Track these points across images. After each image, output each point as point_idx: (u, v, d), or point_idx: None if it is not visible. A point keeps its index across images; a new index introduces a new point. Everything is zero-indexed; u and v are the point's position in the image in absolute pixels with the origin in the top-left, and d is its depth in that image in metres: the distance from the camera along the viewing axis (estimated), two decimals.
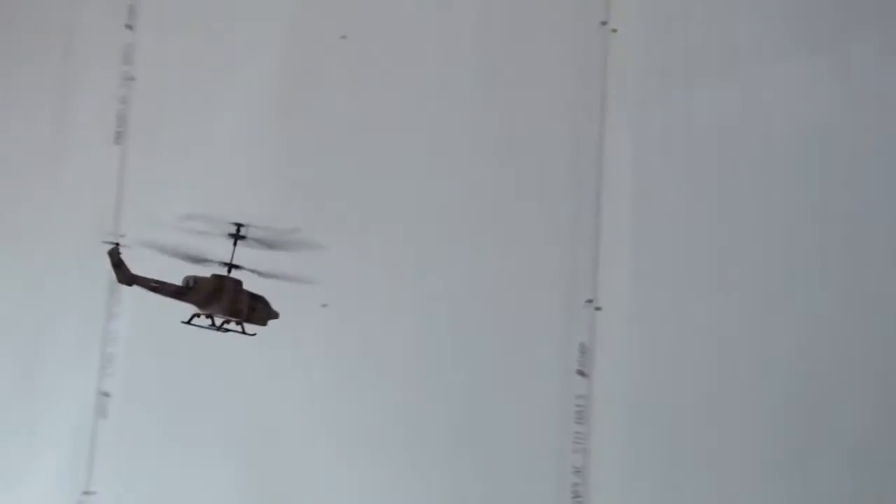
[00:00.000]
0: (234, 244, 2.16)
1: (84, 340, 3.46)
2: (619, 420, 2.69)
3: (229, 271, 2.20)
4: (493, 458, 2.80)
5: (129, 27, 3.51)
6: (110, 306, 3.41)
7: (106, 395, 3.39)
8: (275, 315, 2.32)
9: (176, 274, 2.29)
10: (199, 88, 3.35)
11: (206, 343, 3.14)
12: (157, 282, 2.16)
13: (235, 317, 2.25)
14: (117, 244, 2.15)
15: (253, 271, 2.24)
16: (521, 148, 2.87)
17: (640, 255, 2.73)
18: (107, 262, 2.20)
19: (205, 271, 2.23)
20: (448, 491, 2.84)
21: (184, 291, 2.19)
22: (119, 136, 3.47)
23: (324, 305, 3.00)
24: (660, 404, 2.66)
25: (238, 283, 2.23)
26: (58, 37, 3.62)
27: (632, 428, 2.68)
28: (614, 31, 2.80)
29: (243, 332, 2.29)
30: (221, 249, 2.24)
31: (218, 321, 2.26)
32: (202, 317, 2.24)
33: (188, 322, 2.24)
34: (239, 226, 2.14)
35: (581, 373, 2.75)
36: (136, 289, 3.00)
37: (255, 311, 2.28)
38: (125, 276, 2.14)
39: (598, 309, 2.75)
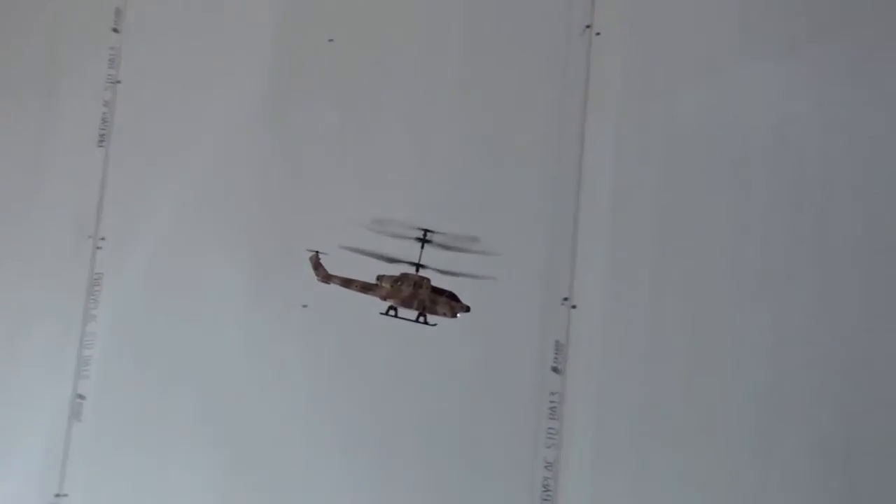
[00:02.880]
0: (422, 247, 2.54)
1: (61, 342, 3.44)
2: (591, 416, 2.74)
3: (417, 270, 2.55)
4: (468, 454, 2.84)
5: (116, 30, 3.54)
6: (87, 308, 3.40)
7: (81, 397, 3.37)
8: (463, 308, 2.61)
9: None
10: (184, 92, 3.37)
11: (182, 345, 3.19)
12: (347, 279, 2.58)
13: (416, 308, 2.57)
14: (317, 252, 2.61)
15: (436, 270, 2.57)
16: (503, 148, 2.92)
17: (617, 255, 2.79)
18: (85, 265, 2.75)
19: (396, 269, 2.58)
20: (423, 486, 2.84)
21: (370, 286, 2.58)
22: (102, 139, 3.48)
23: (304, 306, 3.01)
24: (632, 402, 2.72)
25: (423, 279, 2.56)
26: (43, 39, 3.64)
27: (603, 424, 2.73)
28: (598, 34, 2.86)
29: (425, 322, 2.58)
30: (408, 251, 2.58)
31: (403, 312, 2.58)
32: (390, 309, 2.59)
33: (385, 313, 2.59)
34: (426, 231, 2.53)
35: (556, 369, 2.78)
36: (111, 292, 3.07)
37: (436, 304, 2.58)
38: (323, 275, 2.61)
39: (573, 307, 2.78)
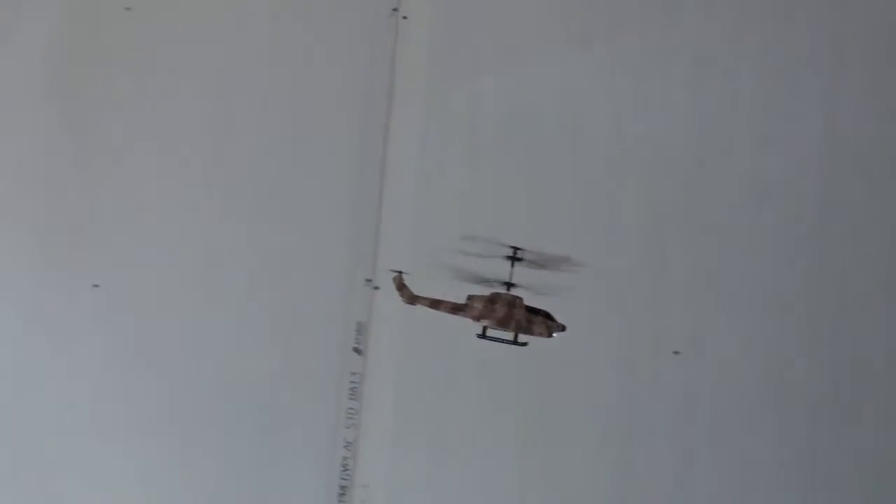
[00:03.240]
0: (512, 265, 2.39)
1: None
2: (390, 396, 2.77)
3: (508, 289, 2.42)
4: (267, 435, 2.81)
5: None
6: None
7: None
8: (559, 327, 2.45)
9: None
10: None
11: None
12: (435, 300, 2.44)
13: (513, 329, 2.43)
14: (400, 272, 2.45)
15: (527, 288, 2.43)
16: (309, 129, 2.90)
17: (420, 237, 2.82)
18: None
19: (486, 290, 2.44)
20: (221, 468, 2.80)
21: (461, 307, 2.43)
22: None
23: (95, 286, 2.90)
24: (431, 380, 2.77)
25: (516, 298, 2.42)
26: None
27: (403, 403, 2.77)
28: (405, 18, 2.87)
29: (515, 343, 2.44)
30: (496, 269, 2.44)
31: (494, 333, 2.44)
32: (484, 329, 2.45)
33: (482, 335, 2.44)
34: (516, 249, 2.38)
35: (357, 350, 2.78)
36: None
37: (532, 323, 2.42)
38: (408, 295, 2.45)
39: (376, 288, 2.79)
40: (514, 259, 2.39)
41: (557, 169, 2.80)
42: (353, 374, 2.78)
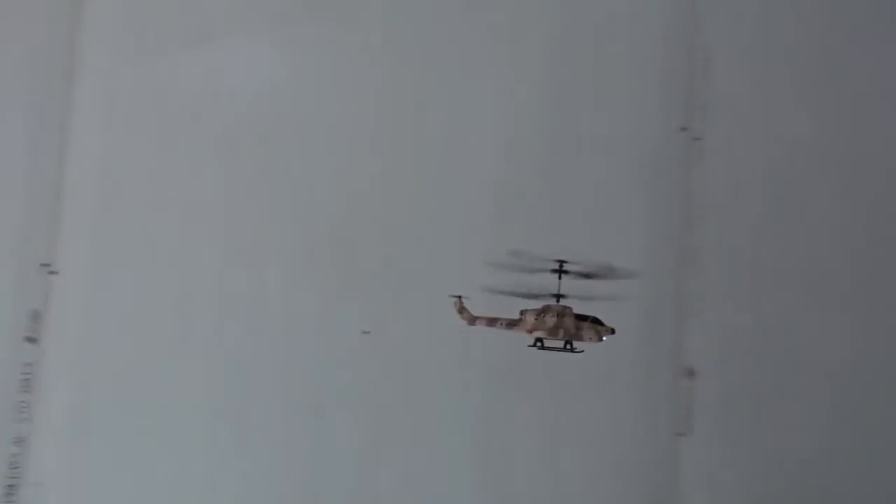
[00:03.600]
0: (560, 277, 2.57)
1: None
2: (68, 387, 2.63)
3: (557, 300, 2.61)
4: None
5: None
6: None
7: None
8: (609, 330, 2.62)
9: None
10: None
11: None
12: (492, 318, 2.63)
13: (562, 337, 2.63)
14: (460, 296, 2.63)
15: (575, 297, 2.60)
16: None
17: (104, 220, 2.70)
18: None
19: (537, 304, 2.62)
20: None
21: (515, 322, 2.64)
22: None
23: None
24: (114, 369, 2.64)
25: (565, 308, 2.62)
26: None
27: (82, 394, 2.63)
28: None
29: (572, 350, 2.63)
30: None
31: (550, 343, 2.65)
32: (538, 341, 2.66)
33: (533, 345, 2.64)
34: (562, 262, 2.56)
35: (30, 339, 2.59)
36: None
37: (581, 330, 2.62)
38: (468, 317, 2.65)
39: (53, 273, 2.62)
40: (560, 272, 2.60)
41: (248, 154, 2.76)
42: (26, 364, 2.59)
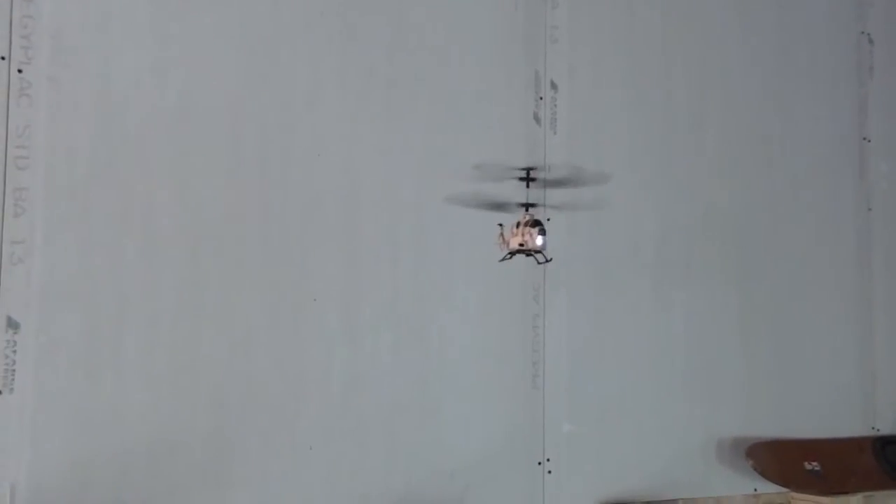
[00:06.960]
0: (527, 185, 2.65)
1: None
2: None
3: (526, 210, 2.67)
4: None
5: None
6: None
7: None
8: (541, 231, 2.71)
9: None
10: None
11: None
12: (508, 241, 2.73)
13: (527, 248, 2.70)
14: (501, 224, 2.64)
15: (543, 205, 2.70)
16: None
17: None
18: None
19: (506, 216, 2.67)
20: None
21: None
22: None
23: None
24: None
25: (534, 222, 2.67)
26: None
27: None
28: None
29: (543, 259, 2.70)
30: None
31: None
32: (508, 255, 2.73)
33: (503, 260, 2.69)
34: (529, 169, 2.62)
35: None
36: None
37: (531, 235, 2.68)
38: (505, 240, 2.70)
39: None
40: (528, 179, 2.69)
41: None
42: None
